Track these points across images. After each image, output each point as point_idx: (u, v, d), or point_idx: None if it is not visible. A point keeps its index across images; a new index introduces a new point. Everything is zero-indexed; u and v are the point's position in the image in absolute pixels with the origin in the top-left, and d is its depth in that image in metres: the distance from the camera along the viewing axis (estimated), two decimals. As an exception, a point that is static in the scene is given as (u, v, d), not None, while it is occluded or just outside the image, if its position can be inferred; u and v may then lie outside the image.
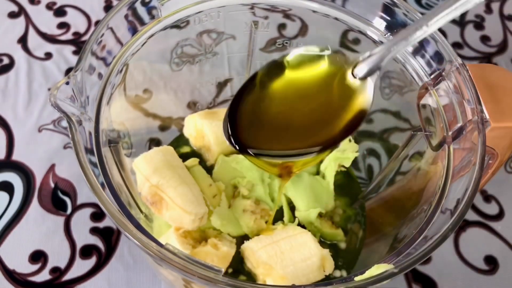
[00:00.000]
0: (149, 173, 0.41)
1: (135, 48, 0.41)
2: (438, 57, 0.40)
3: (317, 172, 0.49)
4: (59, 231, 0.51)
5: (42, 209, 0.52)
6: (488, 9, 0.76)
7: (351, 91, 0.38)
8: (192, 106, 0.54)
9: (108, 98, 0.39)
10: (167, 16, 0.42)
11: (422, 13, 0.41)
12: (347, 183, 0.51)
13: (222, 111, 0.49)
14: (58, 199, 0.53)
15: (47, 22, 0.67)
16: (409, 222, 0.40)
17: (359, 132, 0.52)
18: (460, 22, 0.74)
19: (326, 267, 0.40)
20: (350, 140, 0.48)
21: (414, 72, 0.42)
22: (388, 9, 0.42)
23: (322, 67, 0.40)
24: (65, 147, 0.57)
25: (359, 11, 0.44)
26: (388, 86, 0.47)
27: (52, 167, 0.55)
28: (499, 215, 0.56)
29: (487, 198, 0.57)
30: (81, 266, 0.49)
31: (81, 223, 0.52)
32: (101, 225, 0.52)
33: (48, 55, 0.64)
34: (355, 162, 0.51)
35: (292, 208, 0.46)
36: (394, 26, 0.42)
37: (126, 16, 0.39)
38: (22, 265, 0.49)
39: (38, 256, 0.49)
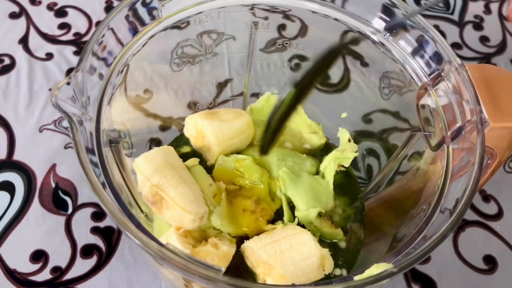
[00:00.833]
0: (150, 173, 0.41)
1: (136, 48, 0.41)
2: (437, 57, 0.40)
3: (317, 172, 0.49)
4: (60, 230, 0.51)
5: (43, 208, 0.52)
6: (487, 10, 0.76)
7: None
8: (193, 106, 0.54)
9: (109, 98, 0.39)
10: (167, 16, 0.43)
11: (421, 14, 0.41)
12: (346, 183, 0.51)
13: (222, 111, 0.49)
14: (59, 198, 0.53)
15: (48, 22, 0.68)
16: (408, 221, 0.40)
17: (359, 132, 0.52)
18: (459, 22, 0.74)
19: (325, 267, 0.40)
20: (349, 140, 0.49)
21: (413, 73, 0.42)
22: (387, 10, 0.42)
23: None
24: (66, 147, 0.57)
25: (358, 11, 0.44)
26: (388, 86, 0.47)
27: (53, 167, 0.55)
28: (498, 215, 0.56)
29: (486, 197, 0.58)
30: (82, 266, 0.49)
31: (82, 222, 0.52)
32: (101, 224, 0.52)
33: (49, 56, 0.64)
34: (354, 162, 0.52)
35: (291, 207, 0.46)
36: (394, 26, 0.42)
37: (126, 17, 0.40)
38: (23, 265, 0.49)
39: (39, 256, 0.49)
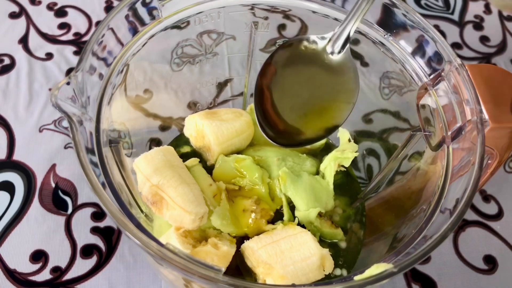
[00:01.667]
0: (150, 173, 0.41)
1: (136, 48, 0.41)
2: (438, 57, 0.40)
3: (317, 172, 0.49)
4: (59, 230, 0.51)
5: (43, 208, 0.52)
6: (487, 10, 0.76)
7: (338, 68, 0.44)
8: (193, 106, 0.54)
9: (109, 98, 0.39)
10: (167, 16, 0.43)
11: (421, 14, 0.41)
12: (346, 183, 0.51)
13: (222, 111, 0.49)
14: (59, 198, 0.53)
15: (48, 22, 0.67)
16: (408, 221, 0.40)
17: (359, 132, 0.52)
18: (459, 22, 0.74)
19: (326, 267, 0.40)
20: (349, 140, 0.49)
21: (414, 72, 0.42)
22: (387, 10, 0.42)
23: (307, 56, 0.45)
24: (65, 147, 0.57)
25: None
26: (388, 86, 0.47)
27: (53, 167, 0.55)
28: (498, 215, 0.56)
29: (486, 197, 0.58)
30: (82, 266, 0.49)
31: (82, 222, 0.52)
32: (101, 224, 0.52)
33: (49, 56, 0.64)
34: (354, 162, 0.52)
35: (292, 207, 0.46)
36: (394, 26, 0.42)
37: (126, 17, 0.40)
38: (23, 265, 0.49)
39: (39, 256, 0.49)
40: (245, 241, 0.42)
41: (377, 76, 0.48)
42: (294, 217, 0.46)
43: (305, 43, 0.44)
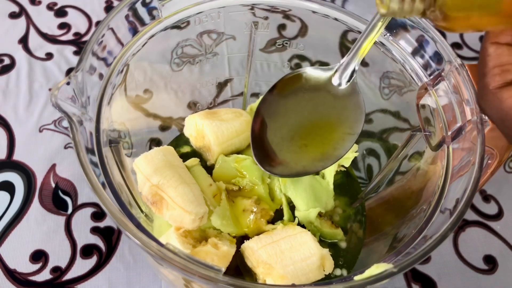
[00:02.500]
0: (150, 173, 0.41)
1: (136, 48, 0.41)
2: (438, 57, 0.40)
3: (317, 172, 0.49)
4: (59, 230, 0.51)
5: (43, 208, 0.52)
6: (488, 10, 0.76)
7: (343, 98, 0.43)
8: (193, 106, 0.54)
9: (109, 98, 0.39)
10: (167, 16, 0.43)
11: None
12: (346, 183, 0.51)
13: (222, 111, 0.49)
14: (59, 198, 0.53)
15: (48, 22, 0.68)
16: (408, 221, 0.40)
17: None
18: (460, 22, 0.74)
19: (326, 267, 0.40)
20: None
21: (414, 73, 0.42)
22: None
23: (311, 87, 0.44)
24: (65, 147, 0.57)
25: (358, 11, 0.44)
26: (388, 86, 0.47)
27: (53, 167, 0.55)
28: (498, 215, 0.56)
29: (486, 197, 0.58)
30: (82, 266, 0.49)
31: (82, 222, 0.52)
32: (101, 224, 0.52)
33: (49, 56, 0.64)
34: (354, 162, 0.52)
35: (292, 207, 0.46)
36: (394, 26, 0.42)
37: (126, 17, 0.40)
38: (23, 265, 0.49)
39: (39, 256, 0.49)
40: (245, 241, 0.42)
41: (377, 76, 0.48)
42: (294, 217, 0.46)
43: (309, 73, 0.43)
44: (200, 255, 0.38)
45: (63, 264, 0.49)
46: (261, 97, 0.45)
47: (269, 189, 0.47)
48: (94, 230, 0.51)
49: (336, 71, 0.42)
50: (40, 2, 0.70)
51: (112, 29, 0.38)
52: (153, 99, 0.49)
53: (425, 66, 0.41)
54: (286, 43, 0.50)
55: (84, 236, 0.51)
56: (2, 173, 0.54)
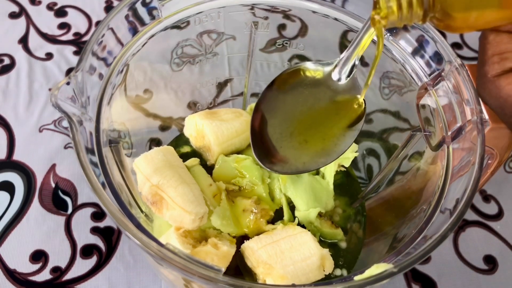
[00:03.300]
0: (150, 173, 0.41)
1: (136, 48, 0.41)
2: (438, 57, 0.40)
3: (317, 172, 0.49)
4: (59, 230, 0.51)
5: (42, 208, 0.52)
6: (488, 9, 0.76)
7: (344, 94, 0.42)
8: (193, 106, 0.54)
9: (109, 98, 0.39)
10: (167, 16, 0.43)
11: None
12: (346, 183, 0.51)
13: (222, 111, 0.49)
14: (59, 198, 0.53)
15: (47, 22, 0.68)
16: (408, 221, 0.40)
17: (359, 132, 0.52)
18: (460, 22, 0.74)
19: (326, 267, 0.40)
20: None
21: (414, 73, 0.42)
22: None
23: (310, 82, 0.43)
24: (65, 147, 0.57)
25: (358, 11, 0.44)
26: (388, 86, 0.47)
27: (52, 167, 0.55)
28: (498, 215, 0.56)
29: (486, 198, 0.58)
30: (82, 266, 0.49)
31: (82, 222, 0.52)
32: (101, 224, 0.52)
33: (49, 56, 0.64)
34: (354, 162, 0.52)
35: (292, 207, 0.46)
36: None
37: (126, 17, 0.40)
38: (22, 265, 0.49)
39: (38, 256, 0.49)
40: (245, 241, 0.42)
41: (377, 76, 0.48)
42: (294, 217, 0.46)
43: (308, 68, 0.43)
44: (200, 255, 0.38)
45: (63, 264, 0.49)
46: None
47: (269, 189, 0.47)
48: (94, 230, 0.51)
49: (335, 66, 0.42)
50: (40, 2, 0.70)
51: (112, 29, 0.38)
52: (153, 99, 0.49)
53: (425, 66, 0.41)
54: (286, 43, 0.50)
55: (84, 236, 0.51)
56: (2, 173, 0.54)
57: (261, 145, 0.43)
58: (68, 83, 0.33)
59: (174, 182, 0.40)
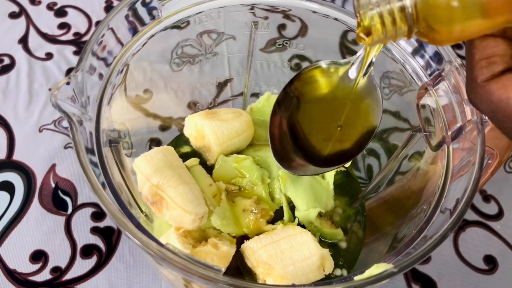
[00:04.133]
0: (150, 173, 0.41)
1: (136, 48, 0.41)
2: (438, 57, 0.40)
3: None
4: (59, 230, 0.51)
5: (42, 208, 0.52)
6: (488, 9, 0.76)
7: (361, 92, 0.41)
8: (193, 106, 0.54)
9: (109, 98, 0.39)
10: (167, 16, 0.43)
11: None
12: (346, 183, 0.51)
13: (222, 111, 0.49)
14: (59, 198, 0.53)
15: (47, 22, 0.67)
16: (408, 221, 0.40)
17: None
18: (460, 22, 0.74)
19: (326, 267, 0.40)
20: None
21: (414, 73, 0.42)
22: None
23: (326, 80, 0.43)
24: (65, 147, 0.57)
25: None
26: (388, 86, 0.47)
27: (52, 167, 0.55)
28: (499, 215, 0.56)
29: (487, 197, 0.58)
30: (82, 266, 0.49)
31: (82, 222, 0.52)
32: (101, 224, 0.52)
33: (49, 55, 0.64)
34: (354, 162, 0.52)
35: (292, 207, 0.46)
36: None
37: (126, 17, 0.40)
38: (22, 265, 0.49)
39: (38, 256, 0.49)
40: (245, 241, 0.42)
41: (377, 76, 0.47)
42: (294, 217, 0.46)
43: (325, 68, 0.43)
44: (200, 255, 0.38)
45: (63, 264, 0.49)
46: (275, 93, 0.45)
47: (269, 189, 0.47)
48: (94, 230, 0.51)
49: (352, 64, 0.41)
50: (40, 2, 0.69)
51: (112, 29, 0.38)
52: (153, 99, 0.49)
53: (425, 66, 0.41)
54: (286, 43, 0.50)
55: (84, 236, 0.51)
56: (2, 173, 0.54)
57: (280, 146, 0.43)
58: (68, 83, 0.33)
59: (174, 182, 0.40)
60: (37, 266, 0.49)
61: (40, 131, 0.58)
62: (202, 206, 0.40)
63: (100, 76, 0.38)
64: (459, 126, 0.38)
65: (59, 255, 0.50)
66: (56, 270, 0.49)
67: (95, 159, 0.34)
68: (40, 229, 0.51)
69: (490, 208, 0.57)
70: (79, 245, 0.50)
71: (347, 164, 0.48)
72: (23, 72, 0.62)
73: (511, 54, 0.29)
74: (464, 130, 0.37)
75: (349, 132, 0.43)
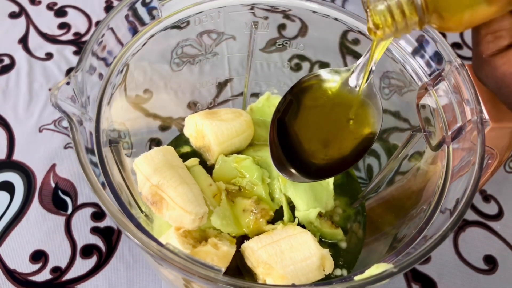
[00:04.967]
0: (150, 173, 0.41)
1: (136, 48, 0.41)
2: (438, 57, 0.40)
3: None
4: (59, 230, 0.51)
5: (42, 208, 0.52)
6: (488, 9, 0.76)
7: (361, 99, 0.42)
8: (193, 106, 0.54)
9: (109, 98, 0.39)
10: (167, 16, 0.43)
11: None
12: (346, 183, 0.51)
13: (222, 111, 0.49)
14: (59, 198, 0.53)
15: (47, 22, 0.67)
16: (408, 221, 0.40)
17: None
18: (460, 22, 0.74)
19: (326, 267, 0.40)
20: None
21: (414, 72, 0.42)
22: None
23: (327, 89, 0.43)
24: (65, 147, 0.57)
25: (358, 11, 0.44)
26: (388, 86, 0.47)
27: (52, 167, 0.55)
28: (498, 215, 0.56)
29: (486, 197, 0.58)
30: (82, 266, 0.49)
31: (82, 222, 0.52)
32: (101, 224, 0.52)
33: (49, 55, 0.64)
34: (355, 162, 0.51)
35: (292, 207, 0.46)
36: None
37: (126, 17, 0.40)
38: (22, 265, 0.49)
39: (38, 256, 0.49)
40: (245, 241, 0.42)
41: (377, 76, 0.48)
42: (294, 217, 0.46)
43: (325, 75, 0.43)
44: (200, 255, 0.38)
45: (63, 264, 0.49)
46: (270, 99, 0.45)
47: (269, 189, 0.47)
48: (94, 230, 0.51)
49: (352, 72, 0.41)
50: (40, 2, 0.70)
51: (112, 29, 0.38)
52: (153, 99, 0.49)
53: (425, 66, 0.41)
54: (286, 43, 0.50)
55: (84, 236, 0.51)
56: (2, 173, 0.54)
57: (280, 153, 0.43)
58: (68, 83, 0.33)
59: (174, 182, 0.40)
60: (37, 266, 0.49)
61: (40, 131, 0.58)
62: (202, 206, 0.40)
63: (100, 76, 0.38)
64: (459, 126, 0.38)
65: (59, 255, 0.50)
66: (56, 270, 0.49)
67: (95, 159, 0.34)
68: (40, 229, 0.51)
69: (490, 208, 0.57)
70: (79, 245, 0.50)
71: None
72: (23, 72, 0.62)
73: None
74: (464, 130, 0.37)
75: (348, 140, 0.43)
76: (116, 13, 0.38)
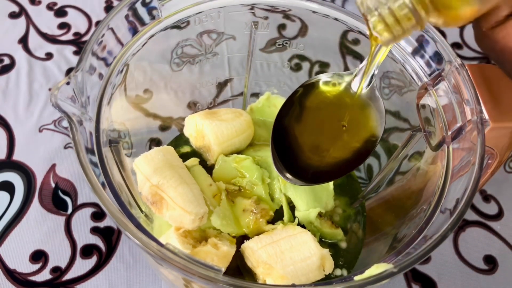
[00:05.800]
0: (150, 173, 0.41)
1: (136, 48, 0.41)
2: (438, 57, 0.40)
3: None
4: (59, 230, 0.51)
5: (42, 208, 0.52)
6: (488, 9, 0.76)
7: (364, 103, 0.42)
8: (193, 106, 0.54)
9: (109, 98, 0.39)
10: (167, 16, 0.43)
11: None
12: (346, 183, 0.51)
13: (222, 111, 0.49)
14: (59, 198, 0.53)
15: (47, 22, 0.68)
16: (408, 221, 0.40)
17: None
18: (460, 22, 0.74)
19: (326, 267, 0.40)
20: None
21: (414, 72, 0.42)
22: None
23: (330, 93, 0.43)
24: (65, 147, 0.57)
25: (358, 11, 0.44)
26: (388, 86, 0.47)
27: (52, 167, 0.55)
28: (498, 215, 0.56)
29: (486, 197, 0.58)
30: (82, 266, 0.49)
31: (82, 222, 0.52)
32: (101, 224, 0.52)
33: (49, 55, 0.64)
34: (355, 162, 0.51)
35: (292, 207, 0.46)
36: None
37: (126, 17, 0.40)
38: (22, 265, 0.49)
39: (38, 256, 0.49)
40: (245, 241, 0.42)
41: (377, 76, 0.47)
42: (294, 217, 0.46)
43: (327, 79, 0.43)
44: (200, 255, 0.38)
45: (63, 264, 0.49)
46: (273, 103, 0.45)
47: (269, 189, 0.47)
48: (94, 230, 0.51)
49: (355, 75, 0.41)
50: (40, 2, 0.70)
51: (112, 29, 0.38)
52: (153, 99, 0.49)
53: (425, 66, 0.41)
54: (286, 43, 0.50)
55: (84, 236, 0.51)
56: (2, 173, 0.54)
57: (283, 157, 0.43)
58: (68, 83, 0.33)
59: (174, 182, 0.40)
60: (37, 266, 0.49)
61: (40, 131, 0.58)
62: (202, 206, 0.40)
63: (100, 76, 0.38)
64: (459, 126, 0.38)
65: (59, 255, 0.50)
66: (56, 270, 0.49)
67: (95, 159, 0.34)
68: (40, 229, 0.51)
69: (490, 208, 0.57)
70: (79, 245, 0.50)
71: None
72: (23, 72, 0.62)
73: None
74: (464, 130, 0.37)
75: (351, 143, 0.43)
76: (116, 13, 0.38)
